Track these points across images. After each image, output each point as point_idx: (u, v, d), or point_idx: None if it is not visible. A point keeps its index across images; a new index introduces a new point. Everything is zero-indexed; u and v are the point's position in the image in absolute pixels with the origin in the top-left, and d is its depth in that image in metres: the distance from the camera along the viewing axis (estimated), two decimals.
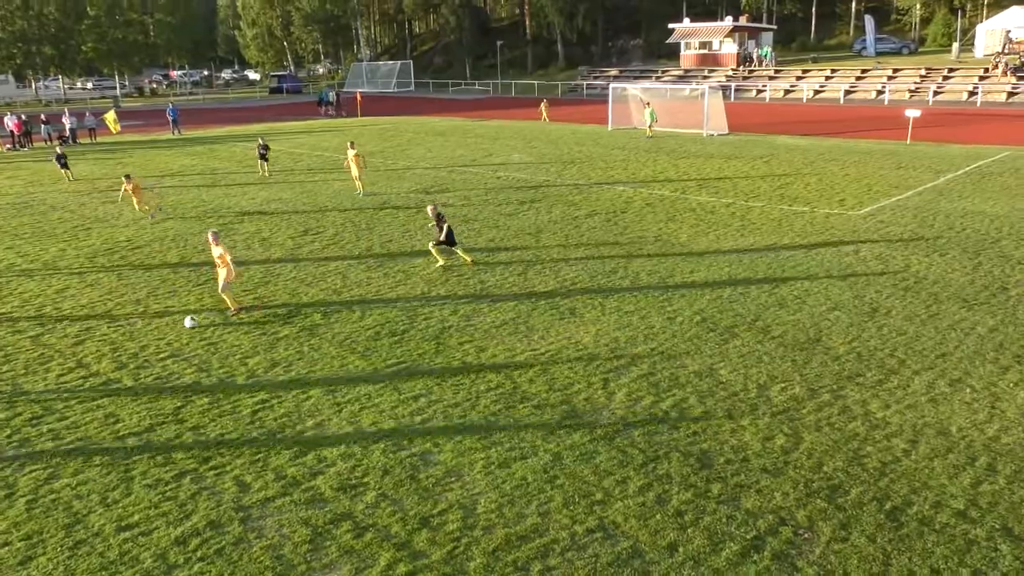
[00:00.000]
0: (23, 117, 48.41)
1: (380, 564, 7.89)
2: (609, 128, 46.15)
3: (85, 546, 8.32)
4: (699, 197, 25.25)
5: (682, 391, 11.45)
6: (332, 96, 66.41)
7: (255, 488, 9.28)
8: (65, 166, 32.17)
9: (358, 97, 65.04)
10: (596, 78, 77.94)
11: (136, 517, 8.79)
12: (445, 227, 17.83)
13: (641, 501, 8.80)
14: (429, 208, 18.69)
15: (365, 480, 9.38)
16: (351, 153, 27.47)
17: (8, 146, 45.35)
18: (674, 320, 14.32)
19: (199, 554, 8.13)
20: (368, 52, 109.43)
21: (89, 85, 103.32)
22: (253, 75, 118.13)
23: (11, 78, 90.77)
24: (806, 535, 8.16)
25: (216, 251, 15.05)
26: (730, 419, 10.58)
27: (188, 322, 14.75)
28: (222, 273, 15.11)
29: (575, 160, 34.14)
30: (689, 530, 8.28)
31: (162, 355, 13.44)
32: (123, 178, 25.20)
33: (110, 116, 50.61)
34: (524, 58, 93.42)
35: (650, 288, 16.19)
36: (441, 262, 18.14)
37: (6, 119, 47.47)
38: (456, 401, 11.36)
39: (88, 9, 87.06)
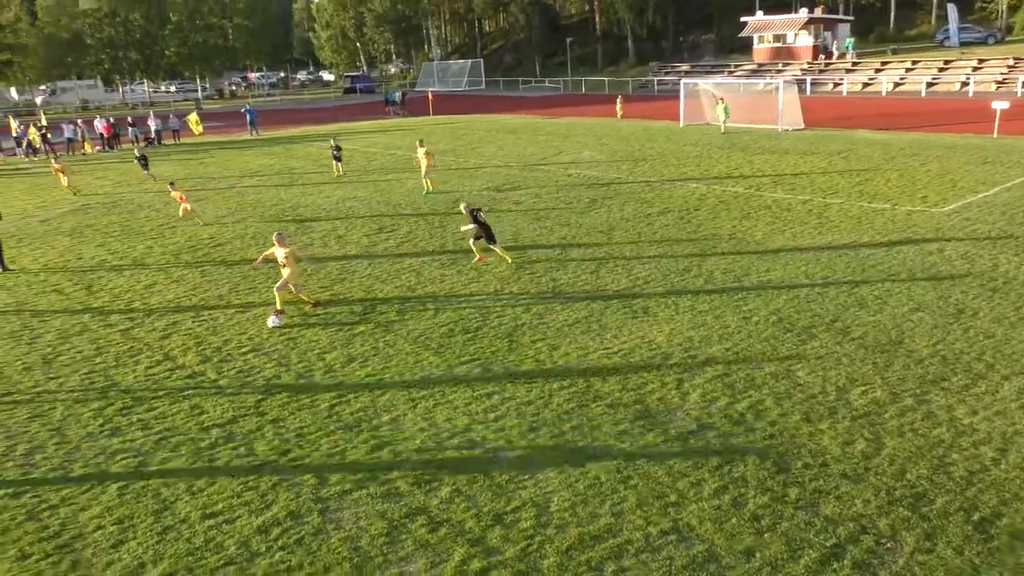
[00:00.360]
0: (112, 120, 50.35)
1: (455, 559, 7.99)
2: (681, 124, 45.61)
3: (172, 532, 8.64)
4: (774, 194, 24.76)
5: (758, 393, 11.26)
6: (397, 96, 67.26)
7: (333, 481, 9.49)
8: (146, 167, 33.23)
9: (429, 96, 65.68)
10: (667, 74, 77.06)
11: (220, 506, 9.09)
12: (481, 223, 17.98)
13: (716, 504, 8.70)
14: (462, 205, 18.85)
15: (439, 475, 9.50)
16: (421, 151, 27.85)
17: (98, 147, 47.23)
18: (749, 320, 14.09)
19: (280, 543, 8.36)
20: (439, 51, 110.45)
21: (172, 88, 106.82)
22: (327, 76, 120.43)
23: (100, 83, 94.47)
24: (889, 544, 7.94)
25: (280, 252, 15.13)
26: (808, 422, 10.37)
27: (272, 321, 14.98)
28: (285, 273, 15.29)
29: (647, 157, 33.85)
30: (766, 535, 8.15)
31: (244, 349, 13.84)
32: (168, 185, 25.67)
33: (193, 118, 52.26)
34: (594, 55, 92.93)
35: (724, 287, 15.97)
36: (477, 257, 18.42)
37: (96, 122, 49.45)
38: (529, 399, 11.40)
39: (171, 15, 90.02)
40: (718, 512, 8.55)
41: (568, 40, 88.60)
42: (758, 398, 11.09)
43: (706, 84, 48.20)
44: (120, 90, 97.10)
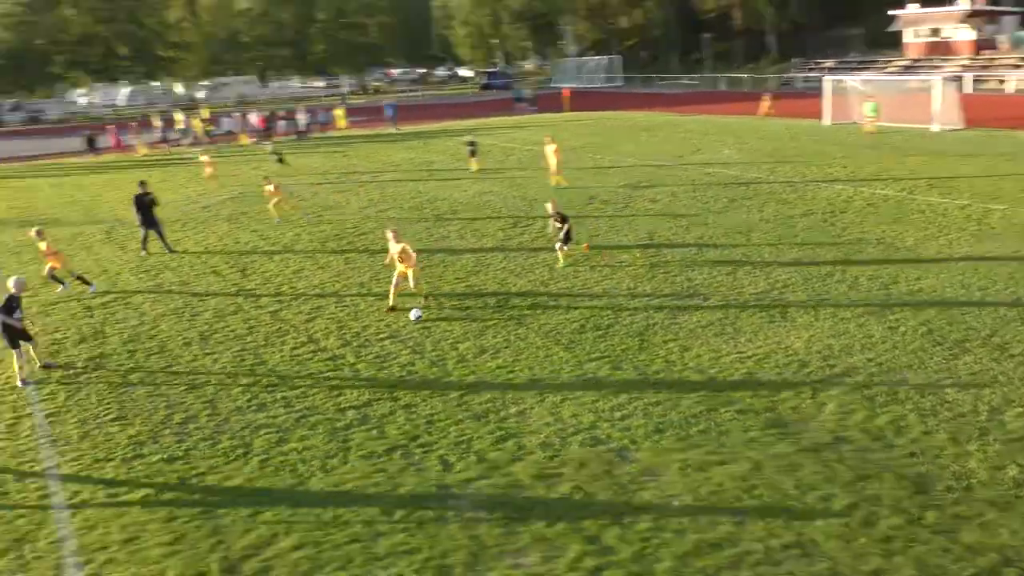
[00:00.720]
0: (266, 114, 53.19)
1: (569, 555, 8.02)
2: (825, 123, 43.79)
3: (304, 507, 9.08)
4: (929, 198, 23.39)
5: (901, 407, 10.70)
6: (526, 92, 67.77)
7: (457, 468, 9.71)
8: (281, 161, 34.64)
9: (565, 93, 65.78)
10: (810, 70, 74.07)
11: (350, 485, 9.48)
12: (566, 227, 17.77)
13: (845, 521, 8.33)
14: (549, 205, 18.72)
15: (561, 471, 9.55)
16: (550, 148, 28.04)
17: (253, 140, 50.01)
18: (896, 330, 13.39)
19: (402, 525, 8.63)
20: (574, 48, 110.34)
21: (320, 84, 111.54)
22: (465, 73, 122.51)
23: (255, 78, 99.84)
24: None
25: (395, 247, 15.28)
26: (954, 443, 9.76)
27: (414, 314, 15.13)
28: (399, 267, 15.32)
29: (789, 157, 32.70)
30: (896, 558, 7.73)
31: (381, 336, 14.35)
32: (263, 179, 26.58)
33: (339, 112, 54.50)
34: (732, 51, 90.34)
35: (870, 294, 15.25)
36: (562, 262, 18.15)
37: (251, 116, 52.36)
38: (657, 400, 11.29)
39: (319, 14, 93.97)
40: (846, 530, 8.19)
41: (706, 36, 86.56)
42: (900, 413, 10.54)
43: (853, 81, 46.02)
44: (274, 85, 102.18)
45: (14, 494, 9.65)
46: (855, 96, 43.85)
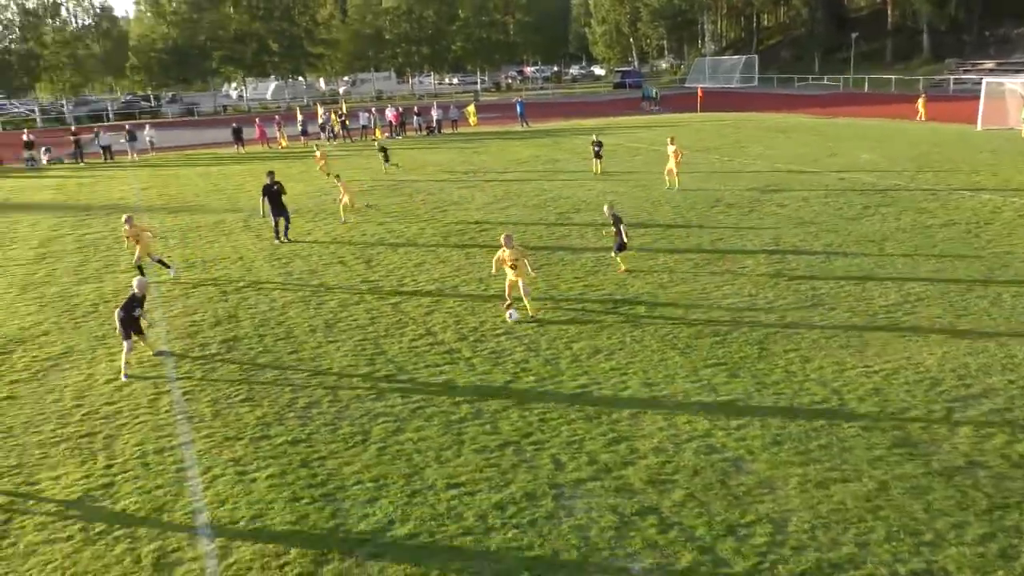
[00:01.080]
0: (400, 109, 54.72)
1: (682, 563, 7.90)
2: (978, 128, 41.14)
3: (420, 496, 9.31)
4: None
5: None
6: (653, 91, 66.72)
7: (569, 468, 9.73)
8: (387, 159, 35.27)
9: (699, 92, 64.53)
10: (966, 72, 69.72)
11: (463, 478, 9.65)
12: (620, 230, 17.41)
13: (980, 552, 7.84)
14: (605, 207, 18.16)
15: (675, 478, 9.41)
16: (671, 148, 27.56)
17: (386, 134, 51.55)
18: None
19: (514, 521, 8.72)
20: (712, 46, 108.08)
21: (455, 81, 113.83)
22: (599, 71, 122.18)
23: (393, 75, 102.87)
24: None
25: (508, 253, 14.90)
26: None
27: (512, 316, 15.12)
28: (513, 274, 14.98)
29: (933, 163, 30.94)
30: None
31: (497, 332, 14.53)
32: (335, 178, 26.76)
33: (471, 109, 55.40)
34: (882, 51, 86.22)
35: (1013, 312, 14.25)
36: (624, 267, 17.86)
37: (387, 111, 54.00)
38: (775, 410, 10.95)
39: (459, 12, 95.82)
40: (982, 560, 7.71)
41: (854, 35, 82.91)
42: None
43: (1013, 84, 43.03)
44: (410, 82, 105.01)
45: (155, 465, 10.34)
46: (1014, 100, 41.02)
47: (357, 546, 8.43)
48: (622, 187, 28.68)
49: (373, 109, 55.77)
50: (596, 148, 32.12)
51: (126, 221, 19.32)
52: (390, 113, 53.09)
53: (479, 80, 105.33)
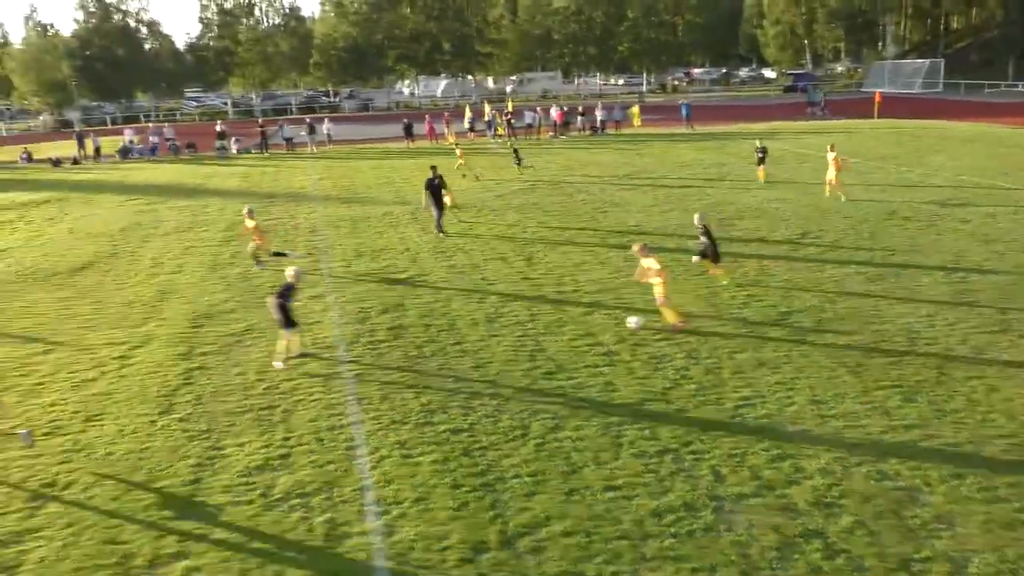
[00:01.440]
0: (565, 108, 55.08)
1: None
2: None
3: (576, 495, 9.38)
4: None
5: None
6: (818, 96, 63.56)
7: (730, 481, 9.52)
8: (519, 160, 35.28)
9: (877, 97, 61.17)
10: None
11: (621, 481, 9.64)
12: (710, 240, 17.00)
13: None
14: (696, 217, 17.42)
15: (842, 502, 9.01)
16: (831, 156, 26.22)
17: (550, 134, 52.03)
18: None
19: (672, 530, 8.63)
20: (894, 49, 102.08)
21: (620, 81, 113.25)
22: (769, 73, 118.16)
23: (560, 74, 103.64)
24: None
25: (647, 263, 14.63)
26: None
27: (633, 322, 14.76)
28: (656, 285, 14.68)
29: None
30: None
31: (657, 337, 14.38)
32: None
33: (635, 110, 55.04)
34: None
35: None
36: (725, 280, 17.38)
37: (551, 110, 54.49)
38: (956, 440, 10.26)
39: (628, 13, 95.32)
40: None
41: None
42: None
43: None
44: (575, 82, 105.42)
45: (327, 441, 10.96)
46: None
47: (516, 539, 8.60)
48: (788, 194, 27.65)
49: (538, 108, 56.41)
50: (760, 155, 30.87)
51: (248, 214, 20.33)
52: (555, 112, 53.54)
53: (645, 81, 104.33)
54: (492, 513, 9.07)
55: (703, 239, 17.29)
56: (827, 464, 9.80)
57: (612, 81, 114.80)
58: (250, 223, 20.17)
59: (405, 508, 9.23)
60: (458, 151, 35.87)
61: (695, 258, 17.85)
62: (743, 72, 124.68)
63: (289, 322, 13.70)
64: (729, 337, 14.23)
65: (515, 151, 36.01)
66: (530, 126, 52.16)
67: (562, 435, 10.82)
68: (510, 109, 54.79)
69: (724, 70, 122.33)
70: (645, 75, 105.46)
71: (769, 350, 13.54)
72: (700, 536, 8.52)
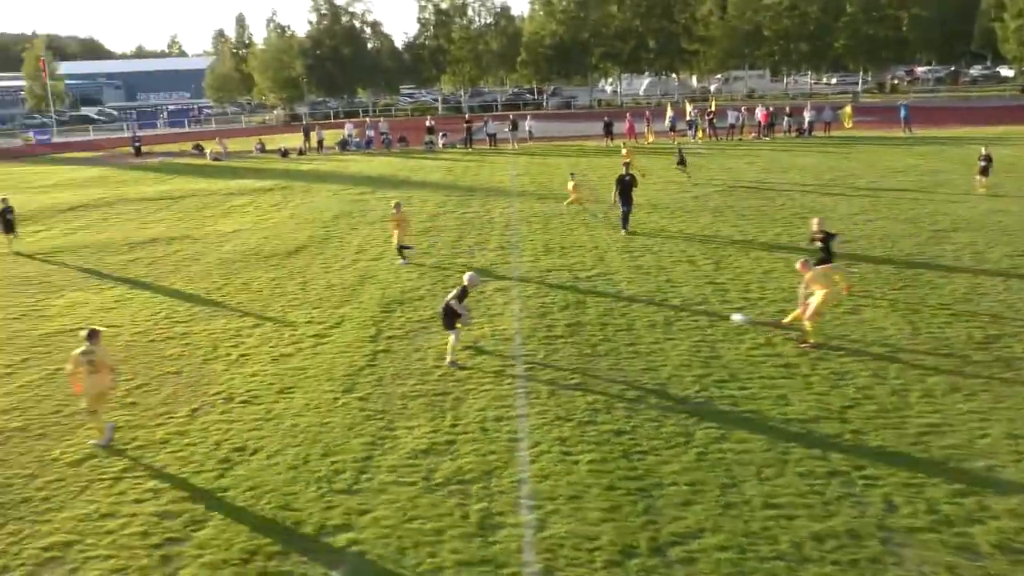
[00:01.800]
0: (771, 109, 52.98)
1: None
2: None
3: (734, 509, 9.13)
4: None
5: None
6: None
7: (903, 512, 8.90)
8: (682, 163, 33.34)
9: None
10: None
11: (783, 500, 9.27)
12: (830, 250, 16.31)
13: None
14: (815, 221, 16.98)
15: None
16: None
17: (753, 135, 50.27)
18: None
19: (833, 557, 8.21)
20: None
21: (833, 80, 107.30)
22: (1007, 71, 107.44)
23: (767, 73, 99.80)
24: None
25: (814, 275, 13.90)
26: None
27: (739, 319, 14.99)
28: (815, 298, 13.82)
29: None
30: None
31: (840, 352, 13.61)
32: (569, 175, 26.14)
33: (847, 110, 51.99)
34: None
35: None
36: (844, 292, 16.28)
37: (756, 110, 52.57)
38: None
39: (846, 7, 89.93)
40: None
41: None
42: None
43: None
44: (784, 80, 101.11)
45: (491, 431, 11.34)
46: None
47: (667, 547, 8.51)
48: (1013, 207, 25.10)
49: (743, 108, 54.65)
50: (983, 163, 27.94)
51: (395, 207, 21.44)
52: (759, 113, 51.63)
53: (860, 80, 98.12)
54: (645, 519, 9.03)
55: (819, 244, 16.62)
56: (1019, 506, 8.92)
57: (824, 80, 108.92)
58: (396, 215, 21.35)
59: (559, 505, 9.39)
60: (624, 150, 35.55)
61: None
62: (974, 70, 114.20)
63: (453, 323, 13.98)
64: (922, 357, 13.24)
65: (680, 152, 34.75)
66: (732, 126, 50.62)
67: (726, 446, 10.55)
68: (713, 108, 53.44)
69: (952, 68, 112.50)
70: (861, 74, 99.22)
71: (967, 375, 12.46)
72: (863, 567, 8.04)
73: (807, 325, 14.04)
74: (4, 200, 25.02)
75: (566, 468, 10.19)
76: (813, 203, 27.12)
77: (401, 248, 21.46)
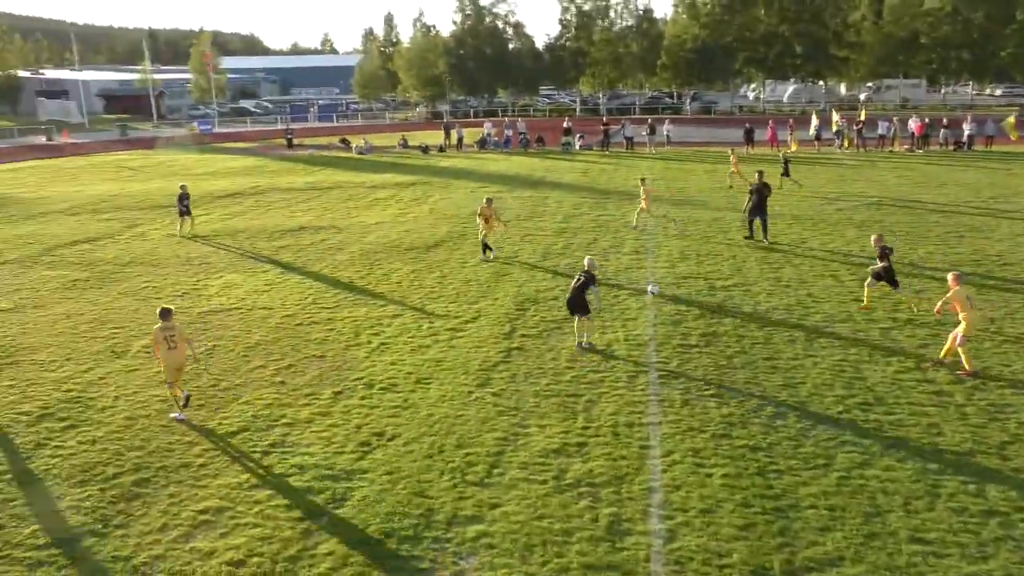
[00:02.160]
0: (926, 120, 50.15)
1: None
2: None
3: (877, 540, 8.71)
4: None
5: None
6: None
7: None
8: (786, 173, 31.82)
9: None
10: None
11: (932, 535, 8.77)
12: (888, 263, 16.31)
13: None
14: (873, 238, 17.08)
15: None
16: None
17: (906, 147, 47.71)
18: None
19: None
20: None
21: (998, 92, 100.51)
22: None
23: (924, 82, 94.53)
24: None
25: (957, 293, 13.17)
26: None
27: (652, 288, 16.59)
28: (962, 322, 13.17)
29: None
30: None
31: (1001, 383, 12.75)
32: (640, 181, 26.25)
33: (1010, 121, 48.57)
34: None
35: None
36: (865, 303, 16.72)
37: (910, 121, 49.89)
38: None
39: (1015, 13, 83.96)
40: None
41: None
42: None
43: None
44: (942, 91, 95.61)
45: (623, 436, 11.26)
46: None
47: (801, 572, 8.21)
48: None
49: (894, 118, 51.95)
50: None
51: (487, 202, 22.33)
52: (913, 124, 48.95)
53: None
54: (780, 540, 8.73)
55: (880, 262, 16.48)
56: None
57: (988, 91, 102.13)
58: (486, 210, 22.06)
59: (690, 517, 9.21)
60: (732, 158, 34.35)
61: (870, 280, 16.85)
62: None
63: (576, 310, 14.65)
64: None
65: (785, 162, 33.22)
66: (883, 137, 48.19)
67: (869, 473, 10.07)
68: (862, 118, 51.02)
69: None
70: None
71: None
72: None
73: (962, 354, 13.25)
74: (183, 187, 26.90)
75: (699, 480, 10.00)
76: (971, 221, 25.52)
77: (486, 246, 22.09)
